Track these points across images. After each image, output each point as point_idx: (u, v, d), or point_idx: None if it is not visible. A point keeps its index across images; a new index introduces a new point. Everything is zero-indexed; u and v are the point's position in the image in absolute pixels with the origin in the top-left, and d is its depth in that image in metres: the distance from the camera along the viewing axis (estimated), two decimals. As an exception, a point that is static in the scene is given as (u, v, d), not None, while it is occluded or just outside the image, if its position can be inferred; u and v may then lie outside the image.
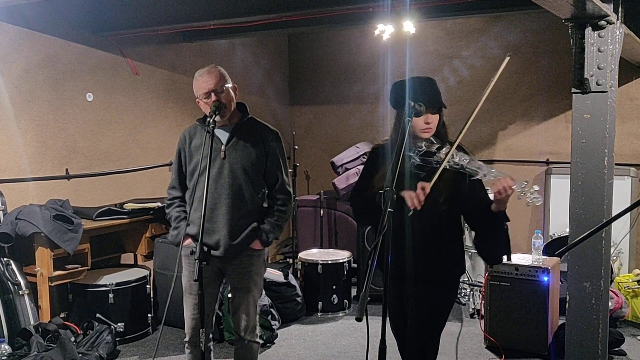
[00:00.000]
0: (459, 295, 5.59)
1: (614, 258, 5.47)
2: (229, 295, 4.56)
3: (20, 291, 4.37)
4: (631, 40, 4.13)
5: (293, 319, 5.32)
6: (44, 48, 4.99)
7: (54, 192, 5.01)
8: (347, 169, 6.49)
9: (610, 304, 4.58)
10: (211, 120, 3.09)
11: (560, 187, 5.77)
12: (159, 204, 5.16)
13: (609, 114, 3.37)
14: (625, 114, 5.89)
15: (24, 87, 4.86)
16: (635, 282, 5.04)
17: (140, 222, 5.09)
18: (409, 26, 5.34)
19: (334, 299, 5.47)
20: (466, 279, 5.61)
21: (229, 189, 3.27)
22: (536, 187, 2.53)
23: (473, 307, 5.34)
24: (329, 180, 6.71)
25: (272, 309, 4.96)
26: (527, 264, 4.51)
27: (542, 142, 6.37)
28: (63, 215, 4.49)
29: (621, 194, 5.47)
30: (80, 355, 4.10)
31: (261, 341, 3.60)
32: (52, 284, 4.48)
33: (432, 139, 2.77)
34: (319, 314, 5.47)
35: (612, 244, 4.96)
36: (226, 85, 3.25)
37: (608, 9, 3.23)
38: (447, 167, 2.64)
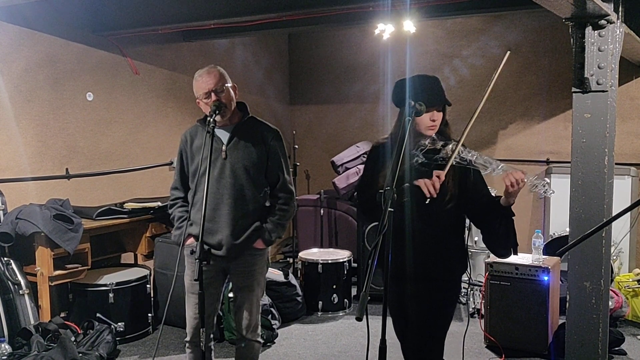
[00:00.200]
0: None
1: (614, 257, 5.47)
2: (230, 295, 4.58)
3: (20, 291, 4.38)
4: (631, 40, 4.13)
5: (293, 318, 5.32)
6: (44, 48, 4.99)
7: (54, 192, 5.01)
8: (347, 169, 6.49)
9: (610, 303, 4.58)
10: (211, 120, 3.09)
11: (561, 187, 5.72)
12: (159, 204, 5.16)
13: (609, 113, 3.37)
14: (626, 113, 5.89)
15: (24, 87, 4.86)
16: (636, 282, 5.04)
17: (140, 221, 5.09)
18: (409, 25, 5.34)
19: (334, 298, 5.47)
20: (466, 279, 5.60)
21: (230, 189, 3.27)
22: (547, 180, 2.54)
23: (473, 306, 5.34)
24: (329, 180, 6.71)
25: (272, 309, 4.96)
26: (527, 263, 4.51)
27: (542, 142, 6.37)
28: (63, 214, 4.49)
29: (621, 193, 5.47)
30: (80, 354, 4.10)
31: (262, 340, 3.60)
32: (53, 284, 4.48)
33: (434, 136, 2.77)
34: (319, 313, 5.47)
35: (612, 244, 4.96)
36: (226, 85, 3.25)
37: (608, 8, 3.23)
38: (454, 163, 2.64)
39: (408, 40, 6.56)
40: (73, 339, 4.27)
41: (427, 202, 2.61)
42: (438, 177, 2.61)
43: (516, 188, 2.57)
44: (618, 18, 3.39)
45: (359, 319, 2.03)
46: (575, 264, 3.48)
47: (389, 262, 2.30)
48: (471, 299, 5.40)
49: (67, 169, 5.18)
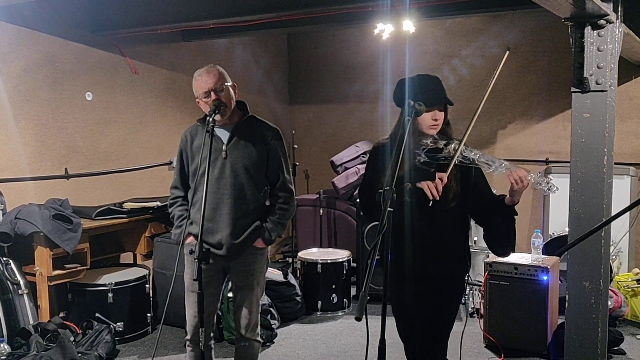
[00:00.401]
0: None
1: (614, 257, 5.47)
2: (229, 295, 4.58)
3: (19, 291, 4.37)
4: (630, 40, 4.13)
5: (292, 318, 5.32)
6: (43, 47, 4.98)
7: (53, 192, 5.01)
8: (346, 168, 6.49)
9: (609, 303, 4.58)
10: (211, 120, 3.09)
11: (560, 186, 5.73)
12: (159, 203, 5.16)
13: (609, 113, 3.37)
14: (625, 113, 5.89)
15: (23, 87, 4.85)
16: (635, 281, 5.04)
17: (139, 221, 5.08)
18: (409, 25, 5.34)
19: (333, 298, 5.47)
20: (466, 278, 5.60)
21: (231, 188, 3.27)
22: (551, 177, 2.55)
23: (472, 306, 5.34)
24: (329, 180, 6.71)
25: (271, 308, 4.96)
26: (526, 263, 4.51)
27: (541, 141, 6.37)
28: (62, 214, 4.49)
29: (620, 193, 5.47)
30: (79, 354, 4.10)
31: (262, 340, 3.60)
32: (52, 284, 4.47)
33: (436, 136, 2.77)
34: (319, 313, 5.47)
35: (611, 243, 4.96)
36: (226, 84, 3.25)
37: (607, 8, 3.23)
38: (457, 162, 2.65)
39: (407, 40, 6.56)
40: (72, 338, 4.27)
41: (430, 204, 2.62)
42: (441, 179, 2.62)
43: (520, 185, 2.57)
44: (617, 18, 3.39)
45: (358, 319, 2.03)
46: (575, 263, 3.48)
47: (389, 262, 2.30)
48: (470, 299, 5.40)
49: (66, 169, 5.18)
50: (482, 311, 4.69)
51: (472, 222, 3.01)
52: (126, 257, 5.55)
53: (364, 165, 6.32)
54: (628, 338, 4.75)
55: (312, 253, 5.79)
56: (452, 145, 2.69)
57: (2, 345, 4.05)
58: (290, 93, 7.94)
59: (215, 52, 6.67)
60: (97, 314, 4.63)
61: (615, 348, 4.49)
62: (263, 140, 3.34)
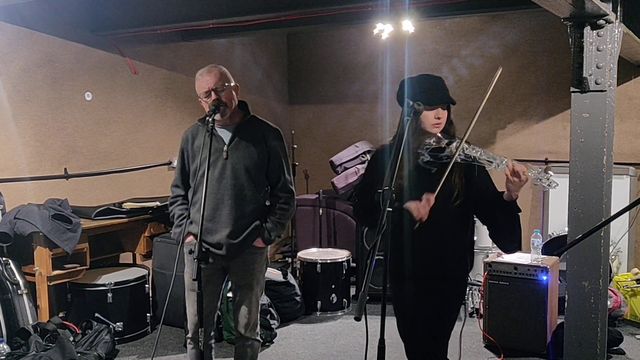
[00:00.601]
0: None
1: (613, 257, 5.47)
2: (228, 295, 4.58)
3: (19, 291, 4.37)
4: (630, 40, 4.14)
5: (292, 318, 5.32)
6: (42, 47, 4.98)
7: (52, 192, 5.00)
8: (346, 168, 6.48)
9: (609, 303, 4.58)
10: (210, 119, 3.09)
11: (559, 186, 5.74)
12: (158, 203, 5.16)
13: (608, 113, 3.37)
14: (624, 113, 5.90)
15: (23, 87, 4.85)
16: (634, 281, 5.04)
17: (139, 221, 5.08)
18: (408, 25, 5.34)
19: (332, 298, 5.47)
20: (467, 278, 5.60)
21: (231, 189, 3.28)
22: (551, 172, 2.54)
23: (472, 306, 5.34)
24: (328, 180, 6.71)
25: (271, 308, 4.96)
26: (526, 263, 4.51)
27: (541, 141, 6.37)
28: (62, 214, 4.49)
29: (620, 193, 5.47)
30: (79, 354, 4.10)
31: (261, 340, 3.60)
32: (51, 284, 4.47)
33: (440, 135, 2.77)
34: (318, 313, 5.47)
35: (610, 243, 4.97)
36: (227, 84, 3.25)
37: (607, 8, 3.23)
38: (459, 160, 2.65)
39: (407, 40, 6.56)
40: (71, 338, 4.27)
41: (416, 227, 2.62)
42: (428, 200, 2.60)
43: (516, 179, 2.55)
44: (616, 18, 3.39)
45: (357, 319, 2.03)
46: (574, 263, 3.48)
47: (388, 262, 2.31)
48: (470, 299, 5.41)
49: (65, 169, 5.18)
50: (481, 311, 4.69)
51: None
52: (125, 257, 5.55)
53: (364, 165, 6.33)
54: (627, 338, 4.75)
55: (312, 253, 5.79)
56: (454, 144, 2.69)
57: (1, 345, 4.05)
58: (290, 93, 7.94)
59: (215, 52, 6.67)
60: (96, 314, 4.63)
61: (615, 348, 4.49)
62: (264, 141, 3.34)
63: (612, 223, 2.86)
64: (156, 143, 6.01)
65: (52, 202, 4.65)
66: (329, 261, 5.48)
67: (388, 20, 5.38)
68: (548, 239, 5.58)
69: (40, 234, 4.33)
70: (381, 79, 7.20)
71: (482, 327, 4.67)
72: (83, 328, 4.51)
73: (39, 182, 4.97)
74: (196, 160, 3.33)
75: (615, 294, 4.94)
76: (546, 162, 6.30)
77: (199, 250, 2.90)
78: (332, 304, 5.49)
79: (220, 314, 4.72)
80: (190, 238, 3.36)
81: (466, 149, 2.65)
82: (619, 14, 3.42)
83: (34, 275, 4.45)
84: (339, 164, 6.52)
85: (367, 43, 7.09)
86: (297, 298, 5.35)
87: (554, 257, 4.71)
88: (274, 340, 4.83)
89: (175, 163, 5.92)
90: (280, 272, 5.40)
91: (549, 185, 2.53)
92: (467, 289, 5.46)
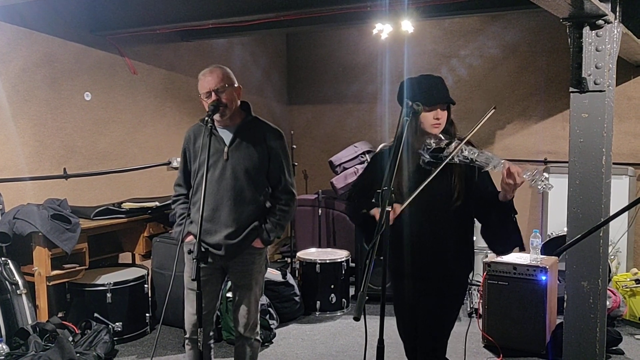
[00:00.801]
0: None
1: (612, 257, 5.47)
2: (228, 295, 4.58)
3: (18, 291, 4.37)
4: (629, 40, 4.14)
5: (291, 318, 5.32)
6: (41, 47, 4.98)
7: (51, 192, 5.00)
8: (345, 169, 6.48)
9: (608, 303, 4.58)
10: (209, 120, 3.09)
11: (558, 186, 5.70)
12: (157, 204, 5.16)
13: (607, 113, 3.37)
14: (623, 113, 5.90)
15: (22, 87, 4.85)
16: (633, 281, 5.05)
17: (138, 221, 5.08)
18: (407, 25, 5.34)
19: (332, 298, 5.47)
20: (468, 279, 5.60)
21: (231, 190, 3.28)
22: (546, 175, 2.53)
23: (471, 306, 5.34)
24: (327, 180, 6.71)
25: (270, 309, 4.96)
26: (525, 263, 4.51)
27: (540, 142, 6.37)
28: (61, 214, 4.49)
29: (619, 193, 5.47)
30: (78, 354, 4.10)
31: (261, 340, 3.60)
32: (50, 284, 4.47)
33: (440, 135, 2.77)
34: (317, 313, 5.47)
35: (610, 243, 4.96)
36: (228, 85, 3.25)
37: (606, 8, 3.24)
38: (457, 161, 2.65)
39: (406, 40, 6.56)
40: (71, 339, 4.27)
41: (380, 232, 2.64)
42: (394, 211, 2.58)
43: (511, 182, 2.54)
44: (615, 18, 3.39)
45: (356, 319, 2.03)
46: (573, 263, 3.48)
47: (389, 261, 2.31)
48: (469, 299, 5.41)
49: (64, 169, 5.18)
50: (480, 311, 4.69)
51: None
52: (125, 257, 5.55)
53: (363, 165, 6.33)
54: (626, 338, 4.76)
55: (311, 253, 5.80)
56: (453, 145, 2.69)
57: (0, 345, 4.04)
58: (289, 93, 7.94)
59: (214, 52, 6.67)
60: (95, 314, 4.63)
61: (614, 348, 4.49)
62: (264, 142, 3.34)
63: (611, 223, 2.86)
64: (155, 143, 6.01)
65: (52, 202, 4.65)
66: (328, 261, 5.49)
67: (387, 21, 5.38)
68: (547, 239, 5.58)
69: (40, 234, 4.33)
70: (380, 79, 7.20)
71: (481, 327, 4.67)
72: (82, 328, 4.51)
73: (38, 182, 4.97)
74: (198, 159, 3.33)
75: (614, 294, 4.95)
76: (545, 162, 6.30)
77: (198, 250, 2.90)
78: (332, 304, 5.49)
79: (219, 314, 4.72)
80: (190, 237, 3.37)
81: (464, 151, 2.65)
82: (618, 14, 3.42)
83: (33, 275, 4.45)
84: (338, 164, 6.52)
85: (367, 43, 7.09)
86: (297, 298, 5.35)
87: (553, 257, 4.71)
88: (273, 341, 4.83)
89: (174, 163, 5.95)
90: (279, 272, 5.40)
91: (544, 188, 2.52)
92: (467, 289, 5.48)
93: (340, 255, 5.63)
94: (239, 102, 3.35)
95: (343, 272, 5.54)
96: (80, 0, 5.28)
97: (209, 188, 3.09)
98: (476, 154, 2.64)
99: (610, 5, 3.31)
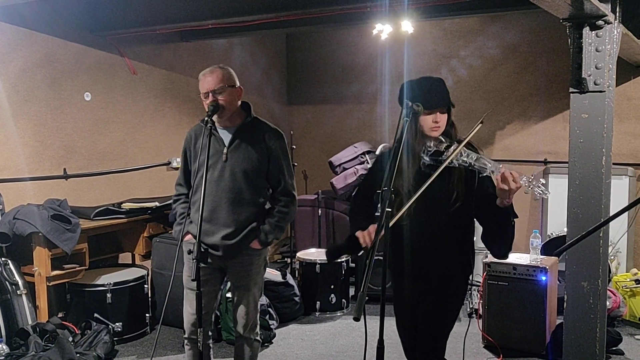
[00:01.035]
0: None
1: (612, 257, 5.47)
2: (228, 295, 4.58)
3: (18, 291, 4.37)
4: (629, 40, 4.14)
5: (291, 318, 5.32)
6: (41, 47, 4.98)
7: (51, 192, 5.00)
8: (345, 169, 6.48)
9: (608, 303, 4.58)
10: (208, 120, 3.09)
11: (558, 187, 5.75)
12: (157, 204, 5.16)
13: (607, 113, 3.37)
14: (623, 113, 5.90)
15: (22, 87, 4.85)
16: (633, 282, 5.05)
17: (138, 221, 5.08)
18: (407, 26, 5.34)
19: (332, 298, 5.47)
20: (468, 279, 5.60)
21: (229, 192, 3.27)
22: (543, 181, 2.53)
23: (471, 306, 5.34)
24: (327, 180, 6.71)
25: (270, 309, 4.96)
26: (525, 263, 4.51)
27: (540, 142, 6.37)
28: (61, 214, 4.49)
29: (619, 193, 5.48)
30: (78, 355, 4.10)
31: (260, 340, 3.60)
32: (50, 284, 4.47)
33: (441, 138, 2.77)
34: (317, 313, 5.47)
35: (609, 243, 4.97)
36: (227, 86, 3.24)
37: (606, 8, 3.24)
38: (457, 165, 2.65)
39: (406, 41, 6.56)
40: (71, 339, 4.27)
41: (360, 253, 2.76)
42: (369, 233, 2.70)
43: (505, 187, 2.53)
44: (615, 19, 3.39)
45: (356, 319, 2.03)
46: (573, 264, 3.48)
47: (389, 262, 2.31)
48: (469, 299, 5.41)
49: (64, 169, 5.18)
50: (480, 311, 4.69)
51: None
52: (125, 258, 5.55)
53: (363, 165, 6.34)
54: (626, 338, 4.76)
55: (311, 253, 5.79)
56: (452, 148, 2.69)
57: (0, 345, 4.05)
58: (289, 93, 7.94)
59: (214, 52, 6.67)
60: (95, 314, 4.63)
61: (614, 348, 4.49)
62: (264, 143, 3.33)
63: (611, 223, 2.86)
64: (155, 143, 6.01)
65: (52, 203, 4.65)
66: (327, 261, 5.48)
67: (387, 21, 5.39)
68: (547, 240, 5.58)
69: (40, 234, 4.33)
70: (380, 79, 7.20)
71: (481, 328, 4.67)
72: (82, 328, 4.51)
73: (38, 182, 4.97)
74: (197, 159, 3.33)
75: (614, 295, 4.94)
76: (545, 162, 6.30)
77: (198, 250, 2.90)
78: (331, 305, 5.49)
79: (219, 314, 4.72)
80: (189, 237, 3.37)
81: (462, 155, 2.65)
82: (618, 14, 3.42)
83: (33, 275, 4.45)
84: (338, 164, 6.52)
85: (366, 44, 7.09)
86: (296, 298, 5.35)
87: (553, 257, 4.71)
88: (273, 341, 4.83)
89: (174, 163, 5.95)
90: (279, 273, 5.40)
91: (541, 194, 2.51)
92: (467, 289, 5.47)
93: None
94: (239, 103, 3.35)
95: (343, 272, 5.53)
96: (80, 0, 5.28)
97: (208, 188, 3.09)
98: (474, 158, 2.63)
99: (610, 5, 3.31)
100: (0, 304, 4.30)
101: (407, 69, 6.94)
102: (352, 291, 5.85)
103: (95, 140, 5.43)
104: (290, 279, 5.39)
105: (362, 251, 2.76)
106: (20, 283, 4.39)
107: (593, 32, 3.35)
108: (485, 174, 2.63)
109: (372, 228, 2.69)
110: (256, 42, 7.34)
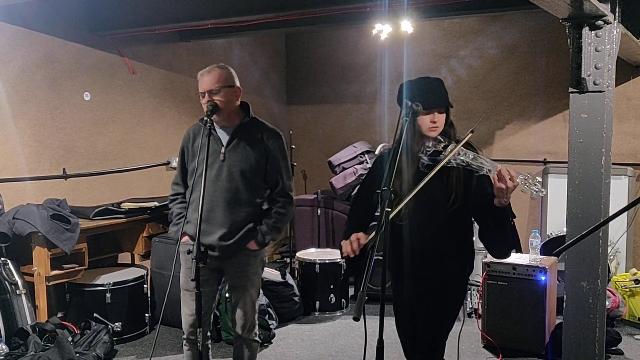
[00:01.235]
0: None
1: (611, 257, 5.48)
2: (227, 295, 4.57)
3: (17, 291, 4.37)
4: (628, 40, 4.14)
5: (290, 318, 5.31)
6: (41, 47, 4.98)
7: (51, 192, 5.00)
8: (344, 169, 6.49)
9: (607, 303, 4.58)
10: (207, 120, 3.08)
11: (558, 187, 5.77)
12: (156, 204, 5.16)
13: (606, 113, 3.38)
14: (622, 113, 5.90)
15: (22, 87, 4.85)
16: (632, 282, 5.05)
17: (137, 221, 5.08)
18: (407, 26, 5.34)
19: (331, 298, 5.47)
20: (468, 280, 5.60)
21: (226, 192, 3.26)
22: (539, 179, 2.53)
23: (471, 306, 5.35)
24: (327, 180, 6.71)
25: (269, 309, 4.96)
26: (524, 263, 4.51)
27: (539, 142, 6.38)
28: (60, 214, 4.49)
29: (618, 193, 5.48)
30: (77, 355, 4.10)
31: (260, 340, 3.60)
32: (50, 284, 4.47)
33: (439, 138, 2.76)
34: (317, 313, 5.47)
35: (609, 243, 4.97)
36: (224, 87, 3.23)
37: (605, 8, 3.24)
38: (454, 164, 2.65)
39: (405, 41, 6.57)
40: (70, 339, 4.27)
41: (341, 260, 2.78)
42: (358, 239, 2.68)
43: (502, 186, 2.52)
44: (615, 19, 3.40)
45: (356, 319, 2.03)
46: (573, 263, 3.49)
47: (388, 262, 2.31)
48: (469, 299, 5.41)
49: (64, 169, 5.17)
50: (480, 311, 4.69)
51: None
52: (124, 257, 5.55)
53: (362, 165, 6.34)
54: (626, 338, 4.76)
55: (310, 253, 5.80)
56: (449, 148, 2.69)
57: (0, 345, 4.04)
58: (288, 93, 7.94)
59: (213, 52, 6.67)
60: (95, 314, 4.63)
61: (613, 348, 4.49)
62: (262, 144, 3.32)
63: (611, 223, 2.86)
64: (154, 143, 6.01)
65: (51, 202, 4.64)
66: (327, 261, 5.48)
67: (387, 21, 5.38)
68: (546, 239, 5.59)
69: (39, 234, 4.32)
70: (379, 79, 7.21)
71: (480, 328, 4.67)
72: (82, 328, 4.51)
73: (38, 182, 4.97)
74: (195, 159, 3.32)
75: (613, 294, 4.95)
76: (545, 162, 6.30)
77: (197, 250, 2.90)
78: (331, 304, 5.49)
79: (218, 314, 4.72)
80: (185, 238, 3.36)
81: (459, 154, 2.65)
82: (617, 14, 3.43)
83: (32, 275, 4.44)
84: (337, 164, 6.52)
85: (366, 43, 7.09)
86: (296, 298, 5.35)
87: (552, 257, 4.72)
88: (272, 341, 4.83)
89: (173, 163, 5.95)
90: (278, 273, 5.39)
91: (536, 193, 2.50)
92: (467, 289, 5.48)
93: (339, 255, 5.61)
94: (237, 103, 3.34)
95: (342, 272, 5.53)
96: (80, 0, 5.28)
97: (205, 188, 3.08)
98: (471, 157, 2.63)
99: (609, 5, 3.31)
100: (0, 304, 4.30)
101: (407, 69, 6.94)
102: (351, 291, 5.86)
103: (94, 140, 5.43)
104: (289, 279, 5.39)
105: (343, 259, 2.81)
106: (19, 283, 4.39)
107: (592, 32, 3.35)
108: (482, 173, 2.63)
109: (354, 237, 2.71)
110: (255, 42, 7.34)
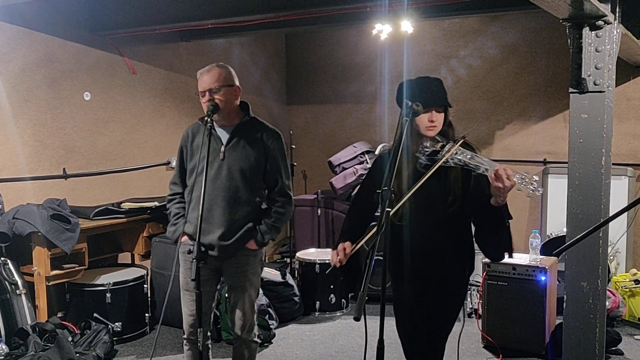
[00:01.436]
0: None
1: (611, 257, 5.48)
2: (227, 295, 4.57)
3: (17, 291, 4.37)
4: (628, 40, 4.14)
5: (291, 318, 5.32)
6: (41, 47, 4.98)
7: (51, 192, 5.00)
8: (344, 169, 6.48)
9: (607, 303, 4.58)
10: (208, 120, 3.08)
11: (558, 187, 5.77)
12: (156, 204, 5.16)
13: (607, 113, 3.38)
14: (623, 113, 5.90)
15: (22, 87, 4.85)
16: (632, 282, 5.05)
17: (137, 221, 5.08)
18: (407, 26, 5.34)
19: (331, 298, 5.47)
20: (468, 280, 5.60)
21: (225, 191, 3.26)
22: (536, 177, 2.52)
23: (471, 306, 5.34)
24: (327, 180, 6.71)
25: (269, 309, 4.96)
26: (524, 263, 4.51)
27: (539, 142, 6.37)
28: (60, 214, 4.49)
29: (618, 193, 5.48)
30: (77, 354, 4.09)
31: (259, 340, 3.60)
32: (50, 284, 4.47)
33: (437, 137, 2.76)
34: (317, 313, 5.47)
35: (609, 244, 4.97)
36: (224, 86, 3.23)
37: (605, 9, 3.24)
38: (452, 164, 2.64)
39: (405, 41, 6.57)
40: (70, 339, 4.27)
41: (326, 272, 2.82)
42: (344, 249, 2.79)
43: (500, 185, 2.51)
44: (615, 19, 3.40)
45: (356, 319, 2.03)
46: (573, 264, 3.48)
47: (389, 262, 2.31)
48: (469, 299, 5.41)
49: (64, 169, 5.17)
50: (480, 311, 4.69)
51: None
52: (124, 257, 5.55)
53: (362, 165, 6.34)
54: (626, 338, 4.76)
55: (310, 253, 5.80)
56: (446, 148, 2.69)
57: (0, 345, 4.04)
58: (288, 93, 7.94)
59: (213, 52, 6.67)
60: (95, 314, 4.63)
61: (613, 348, 4.49)
62: (262, 143, 3.32)
63: (611, 224, 2.86)
64: (154, 143, 6.01)
65: (51, 202, 4.65)
66: (327, 261, 5.47)
67: (387, 21, 5.38)
68: (546, 240, 5.59)
69: (39, 234, 4.32)
70: (380, 79, 7.21)
71: (480, 328, 4.67)
72: (82, 328, 4.51)
73: (38, 182, 4.97)
74: (194, 158, 3.32)
75: (613, 295, 4.95)
76: (545, 162, 6.30)
77: (198, 250, 2.89)
78: (331, 305, 5.49)
79: (218, 314, 4.72)
80: (184, 238, 3.36)
81: (457, 153, 2.64)
82: (617, 14, 3.43)
83: (32, 275, 4.44)
84: (337, 164, 6.52)
85: (366, 43, 7.09)
86: (296, 298, 5.35)
87: (552, 257, 4.71)
88: (272, 341, 4.83)
89: (173, 163, 5.95)
90: (278, 273, 5.39)
91: (532, 192, 2.50)
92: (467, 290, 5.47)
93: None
94: (237, 103, 3.34)
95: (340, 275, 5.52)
96: (80, 0, 5.28)
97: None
98: (469, 156, 2.63)
99: (610, 6, 3.31)
100: (0, 303, 4.30)
101: (407, 69, 6.94)
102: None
103: (94, 140, 5.43)
104: (289, 279, 5.39)
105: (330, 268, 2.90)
106: (19, 283, 4.39)
107: (593, 32, 3.35)
108: (479, 172, 2.62)
109: (341, 246, 2.82)
110: (255, 42, 7.34)
